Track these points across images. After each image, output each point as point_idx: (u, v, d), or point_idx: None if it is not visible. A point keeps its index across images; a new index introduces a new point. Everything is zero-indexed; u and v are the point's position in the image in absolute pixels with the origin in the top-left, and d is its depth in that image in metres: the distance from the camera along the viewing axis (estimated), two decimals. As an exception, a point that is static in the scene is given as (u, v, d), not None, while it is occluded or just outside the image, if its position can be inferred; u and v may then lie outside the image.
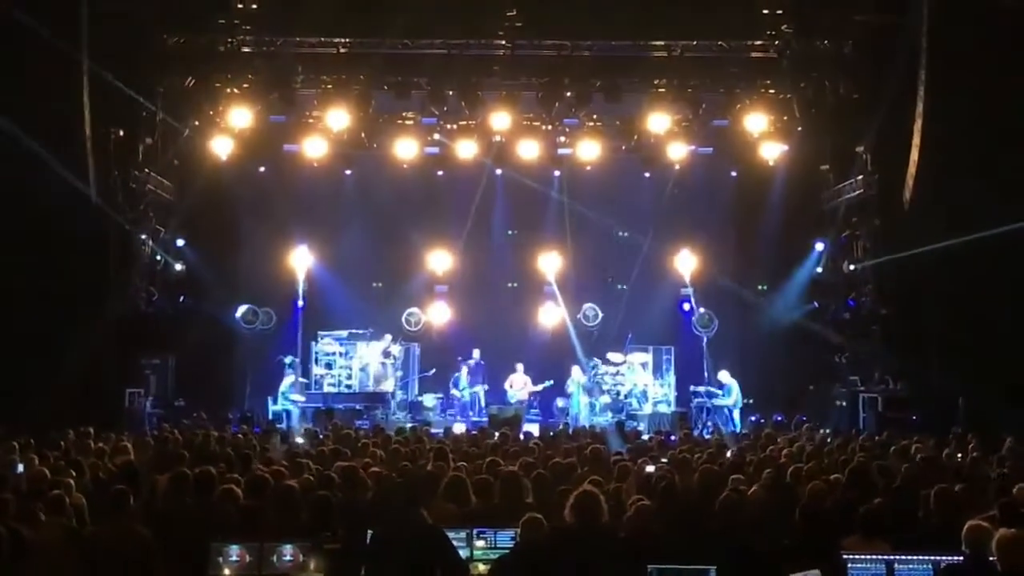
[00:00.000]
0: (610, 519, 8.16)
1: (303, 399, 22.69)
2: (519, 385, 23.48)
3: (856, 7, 20.58)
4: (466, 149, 23.34)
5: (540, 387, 23.66)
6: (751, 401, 22.82)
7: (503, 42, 21.47)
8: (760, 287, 24.89)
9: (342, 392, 23.48)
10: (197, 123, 22.83)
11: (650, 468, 11.39)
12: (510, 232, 25.81)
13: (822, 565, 7.32)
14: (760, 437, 16.12)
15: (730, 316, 24.28)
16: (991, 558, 6.75)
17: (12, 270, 17.70)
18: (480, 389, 23.86)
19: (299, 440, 16.20)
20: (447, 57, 21.63)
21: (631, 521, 8.09)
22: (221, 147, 22.61)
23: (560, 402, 23.72)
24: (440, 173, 24.57)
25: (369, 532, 7.91)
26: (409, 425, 18.69)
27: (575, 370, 23.55)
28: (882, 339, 21.38)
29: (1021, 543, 6.60)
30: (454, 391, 23.82)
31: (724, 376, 22.35)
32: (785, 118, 23.03)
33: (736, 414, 22.09)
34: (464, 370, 23.84)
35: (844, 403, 21.22)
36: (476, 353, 24.06)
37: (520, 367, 23.72)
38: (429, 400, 23.74)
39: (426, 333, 24.95)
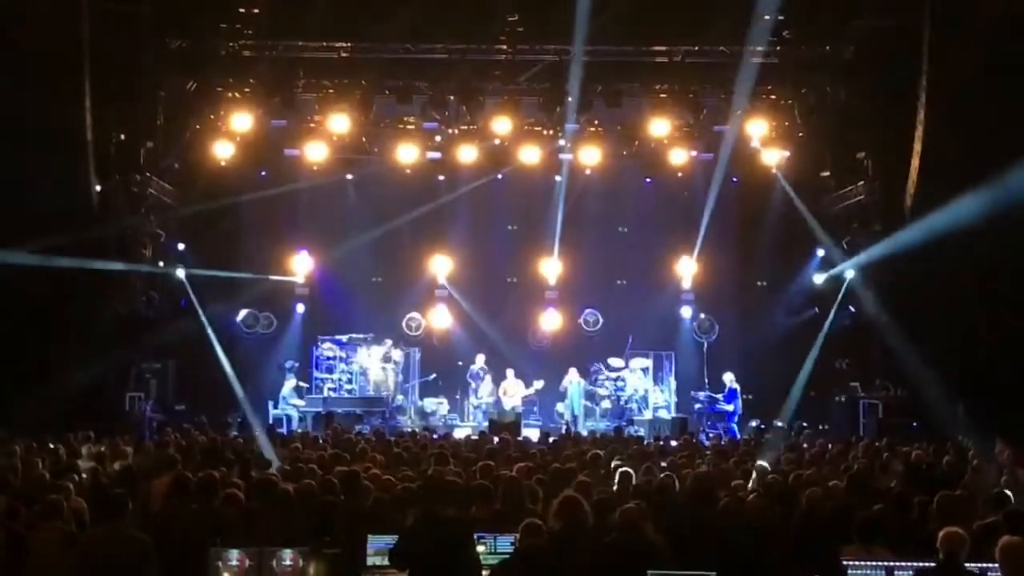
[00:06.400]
0: (602, 523, 8.14)
1: (303, 403, 22.69)
2: (512, 391, 23.39)
3: (857, 12, 20.57)
4: (467, 154, 23.33)
5: (531, 390, 23.49)
6: (749, 397, 22.77)
7: (504, 47, 21.48)
8: (760, 283, 24.94)
9: (342, 397, 23.39)
10: (198, 127, 22.82)
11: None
12: (511, 227, 25.67)
13: (821, 572, 7.32)
14: (761, 443, 16.11)
15: (730, 322, 24.28)
16: (966, 564, 6.78)
17: (12, 274, 17.67)
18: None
19: None
20: (448, 62, 21.65)
21: (617, 523, 7.99)
22: (222, 151, 22.64)
23: (560, 407, 23.59)
24: (441, 178, 24.61)
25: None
26: (409, 430, 18.67)
27: (571, 372, 23.36)
28: (882, 345, 21.34)
29: None
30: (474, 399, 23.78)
31: (728, 379, 22.34)
32: (786, 124, 23.03)
33: (735, 419, 22.07)
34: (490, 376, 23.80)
35: (843, 409, 21.22)
36: (479, 359, 24.02)
37: (511, 373, 23.58)
38: (430, 404, 23.69)
39: (427, 338, 24.94)
